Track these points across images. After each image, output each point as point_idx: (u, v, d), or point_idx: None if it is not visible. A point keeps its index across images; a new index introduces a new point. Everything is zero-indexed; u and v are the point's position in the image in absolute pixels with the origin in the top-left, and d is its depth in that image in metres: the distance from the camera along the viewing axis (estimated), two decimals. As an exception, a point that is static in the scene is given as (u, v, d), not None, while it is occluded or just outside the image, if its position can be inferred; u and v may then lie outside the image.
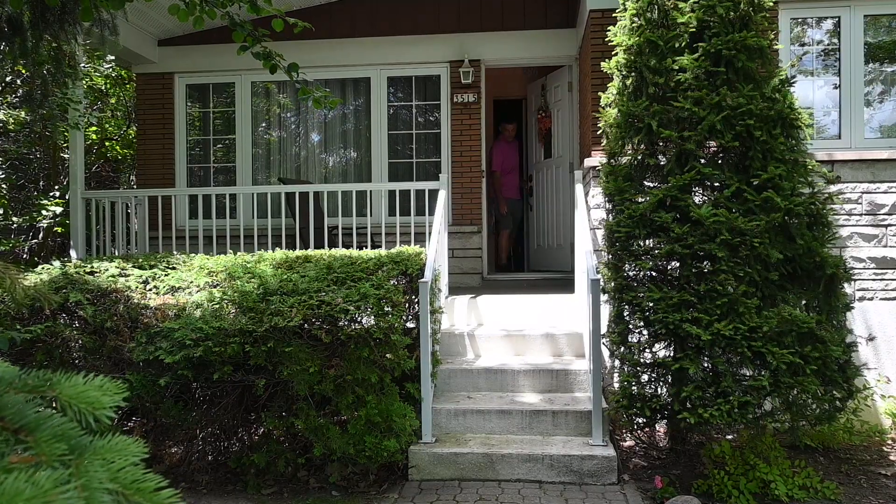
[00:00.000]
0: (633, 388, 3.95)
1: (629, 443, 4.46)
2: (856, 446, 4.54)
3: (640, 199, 4.01)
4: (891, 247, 5.12)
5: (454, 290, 5.78)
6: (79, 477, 0.72)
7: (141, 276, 4.56)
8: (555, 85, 7.34)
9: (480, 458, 3.97)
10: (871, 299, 5.08)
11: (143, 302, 4.27)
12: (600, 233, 4.49)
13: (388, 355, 3.97)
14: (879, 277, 5.11)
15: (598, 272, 4.23)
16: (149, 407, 4.08)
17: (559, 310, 5.30)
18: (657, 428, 4.45)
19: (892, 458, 4.43)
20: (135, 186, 8.90)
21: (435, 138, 7.25)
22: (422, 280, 4.18)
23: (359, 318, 3.95)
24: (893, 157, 5.12)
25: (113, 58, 7.64)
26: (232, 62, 4.78)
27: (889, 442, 4.67)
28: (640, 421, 4.06)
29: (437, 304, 4.51)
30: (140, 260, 4.92)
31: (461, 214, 7.05)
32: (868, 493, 3.90)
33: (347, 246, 5.30)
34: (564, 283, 6.26)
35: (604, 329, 4.23)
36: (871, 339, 4.74)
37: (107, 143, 9.91)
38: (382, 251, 4.62)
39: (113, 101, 10.29)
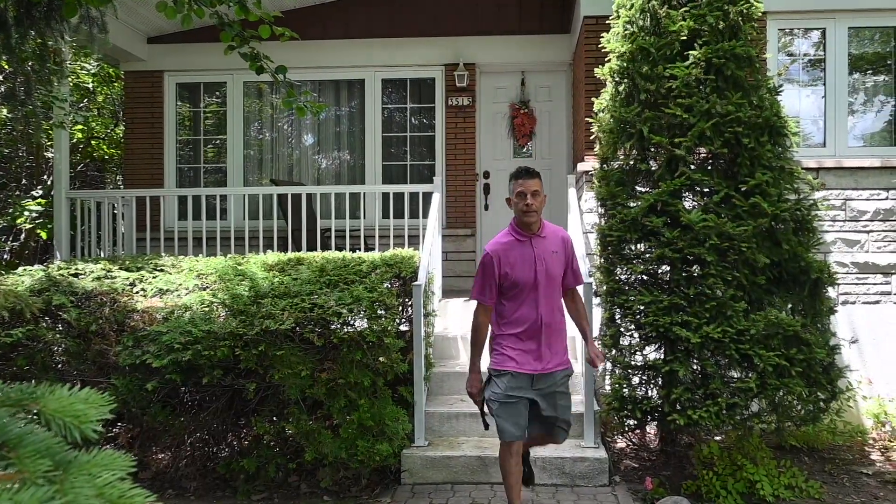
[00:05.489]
0: (625, 390, 3.99)
1: (620, 444, 4.50)
2: (839, 446, 4.63)
3: (631, 204, 4.06)
4: (872, 252, 5.24)
5: (448, 292, 5.80)
6: (64, 494, 0.70)
7: (128, 278, 4.51)
8: (541, 85, 7.38)
9: (473, 462, 3.98)
10: (854, 303, 5.20)
11: (130, 305, 4.22)
12: (592, 237, 4.53)
13: (381, 358, 3.95)
14: (862, 282, 5.23)
15: (590, 276, 4.27)
16: (135, 412, 4.03)
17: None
18: (648, 430, 4.50)
19: (873, 457, 4.53)
20: (122, 187, 8.80)
21: (429, 141, 7.27)
22: (415, 283, 4.19)
23: (352, 322, 3.93)
24: (875, 166, 5.24)
25: (101, 55, 7.54)
26: (224, 61, 4.74)
27: (871, 442, 4.77)
28: (632, 423, 4.11)
29: (431, 306, 4.52)
30: (127, 262, 4.87)
31: (455, 217, 7.07)
32: (851, 491, 3.99)
33: (340, 248, 5.29)
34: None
35: (596, 332, 4.27)
36: (853, 341, 4.84)
37: (93, 142, 9.79)
38: (376, 254, 4.62)
39: (100, 98, 10.16)
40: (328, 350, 3.94)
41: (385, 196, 5.99)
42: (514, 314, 3.22)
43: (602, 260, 4.20)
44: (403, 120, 7.35)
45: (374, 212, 5.65)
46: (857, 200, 5.24)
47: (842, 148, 5.54)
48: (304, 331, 3.92)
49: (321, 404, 4.03)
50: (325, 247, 5.56)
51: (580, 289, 3.53)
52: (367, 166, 7.23)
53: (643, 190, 4.15)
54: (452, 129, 7.09)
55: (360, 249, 5.19)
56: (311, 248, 5.54)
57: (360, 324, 3.95)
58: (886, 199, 5.24)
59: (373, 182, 7.11)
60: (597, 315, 4.26)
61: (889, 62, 5.64)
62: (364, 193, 6.50)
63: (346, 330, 3.91)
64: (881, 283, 5.24)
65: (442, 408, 4.39)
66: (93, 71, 8.98)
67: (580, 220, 5.01)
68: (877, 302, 5.23)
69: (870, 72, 5.79)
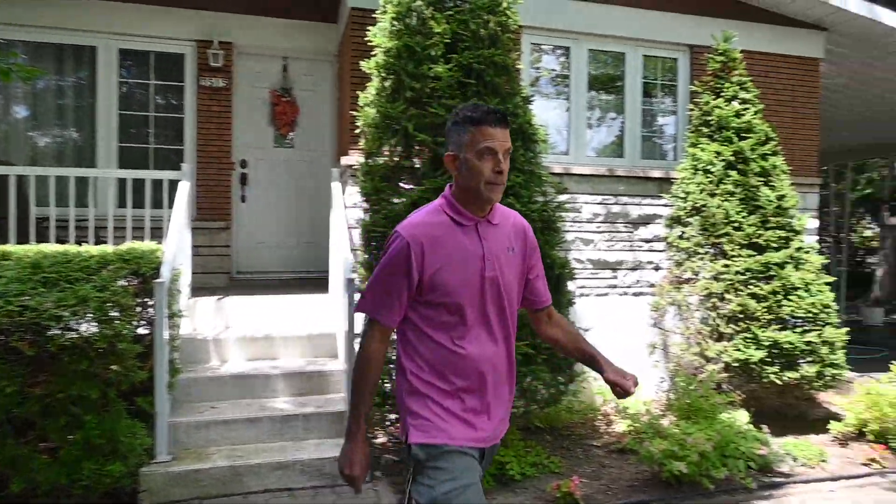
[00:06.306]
0: (386, 385, 3.99)
1: (382, 439, 4.51)
2: (575, 423, 5.20)
3: (396, 200, 4.07)
4: (603, 250, 6.00)
5: (199, 290, 5.29)
6: None
7: None
8: (306, 74, 7.12)
9: (225, 472, 3.71)
10: (589, 295, 5.89)
11: None
12: (356, 232, 4.46)
13: (113, 367, 3.52)
14: (595, 276, 5.95)
15: (354, 271, 4.19)
16: None
17: (312, 310, 5.16)
18: (409, 424, 4.56)
19: (601, 430, 5.17)
20: None
21: (177, 123, 6.54)
22: (157, 280, 3.74)
23: (76, 326, 3.43)
24: (606, 174, 6.00)
25: None
26: None
27: (600, 417, 5.43)
28: (393, 417, 4.13)
29: (177, 306, 4.08)
30: None
31: (208, 209, 6.47)
32: (584, 462, 4.49)
33: (63, 241, 4.50)
34: (318, 283, 6.12)
35: (358, 329, 4.20)
36: (587, 329, 5.45)
37: None
38: (109, 247, 4.02)
39: None
40: (44, 360, 3.38)
41: (122, 182, 5.20)
42: (447, 353, 1.92)
43: (367, 255, 4.16)
44: (146, 98, 6.50)
45: (108, 200, 4.90)
46: (592, 204, 5.95)
47: (581, 157, 6.24)
48: (10, 339, 3.31)
49: (33, 424, 3.45)
50: (43, 238, 4.67)
51: (339, 278, 3.11)
52: (100, 147, 6.27)
53: (408, 187, 4.19)
54: (205, 112, 6.47)
55: (88, 242, 4.46)
56: (23, 240, 4.61)
57: (89, 328, 3.45)
58: (615, 203, 6.04)
59: (107, 165, 6.17)
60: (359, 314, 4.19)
61: (619, 84, 6.50)
62: (96, 178, 5.62)
63: (68, 336, 3.39)
64: (610, 278, 6.02)
65: (190, 417, 3.99)
66: None
67: (344, 215, 4.91)
68: (606, 294, 5.99)
69: (603, 91, 6.62)
